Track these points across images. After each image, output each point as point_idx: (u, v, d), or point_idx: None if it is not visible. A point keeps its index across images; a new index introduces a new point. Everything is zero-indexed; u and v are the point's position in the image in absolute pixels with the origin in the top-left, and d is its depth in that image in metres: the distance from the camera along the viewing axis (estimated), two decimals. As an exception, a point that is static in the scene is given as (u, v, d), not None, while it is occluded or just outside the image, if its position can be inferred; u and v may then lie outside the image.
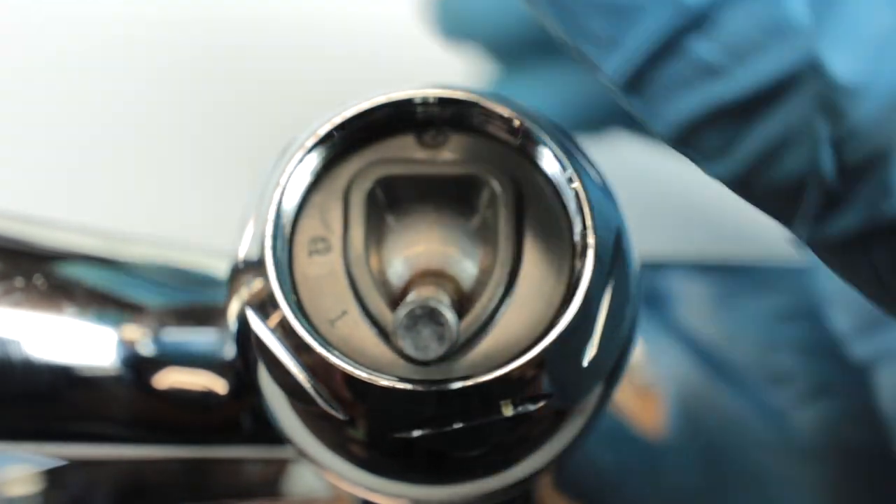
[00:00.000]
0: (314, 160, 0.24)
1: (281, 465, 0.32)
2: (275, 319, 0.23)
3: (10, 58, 0.51)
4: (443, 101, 0.24)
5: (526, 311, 0.24)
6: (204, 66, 0.51)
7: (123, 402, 0.27)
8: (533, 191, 0.24)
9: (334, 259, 0.24)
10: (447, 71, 0.45)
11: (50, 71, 0.51)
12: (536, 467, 0.25)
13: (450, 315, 0.21)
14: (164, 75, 0.51)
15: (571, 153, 0.24)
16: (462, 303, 0.24)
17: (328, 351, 0.23)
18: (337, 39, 0.51)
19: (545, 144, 0.24)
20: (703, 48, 0.17)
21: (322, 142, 0.24)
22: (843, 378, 0.27)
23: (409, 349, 0.21)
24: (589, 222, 0.23)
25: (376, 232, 0.25)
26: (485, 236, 0.25)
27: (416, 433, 0.23)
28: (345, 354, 0.23)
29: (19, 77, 0.51)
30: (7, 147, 0.50)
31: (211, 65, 0.51)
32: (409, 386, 0.22)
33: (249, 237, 0.24)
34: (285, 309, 0.23)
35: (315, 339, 0.23)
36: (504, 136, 0.24)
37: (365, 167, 0.25)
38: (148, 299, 0.27)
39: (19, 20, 0.51)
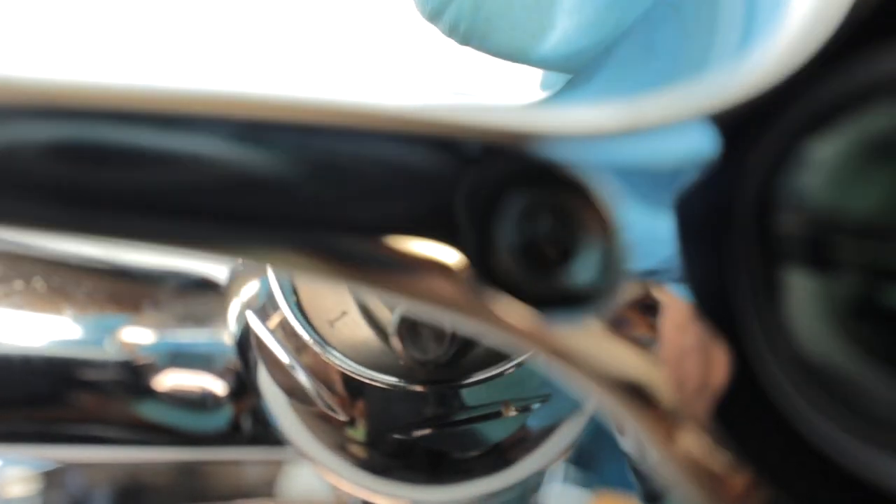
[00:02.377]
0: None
1: (280, 467, 0.32)
2: (275, 320, 0.23)
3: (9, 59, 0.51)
4: None
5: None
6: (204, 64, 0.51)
7: (123, 404, 0.27)
8: None
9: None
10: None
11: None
12: (536, 468, 0.25)
13: None
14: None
15: None
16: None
17: (328, 352, 0.23)
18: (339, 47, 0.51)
19: None
20: None
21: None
22: None
23: (409, 349, 0.21)
24: None
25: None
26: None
27: (416, 433, 0.23)
28: (344, 355, 0.23)
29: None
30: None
31: (211, 63, 0.51)
32: (408, 386, 0.22)
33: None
34: (285, 310, 0.23)
35: (315, 340, 0.23)
36: None
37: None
38: (147, 301, 0.27)
39: (15, 22, 0.51)
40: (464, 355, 0.23)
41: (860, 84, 0.14)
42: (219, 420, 0.27)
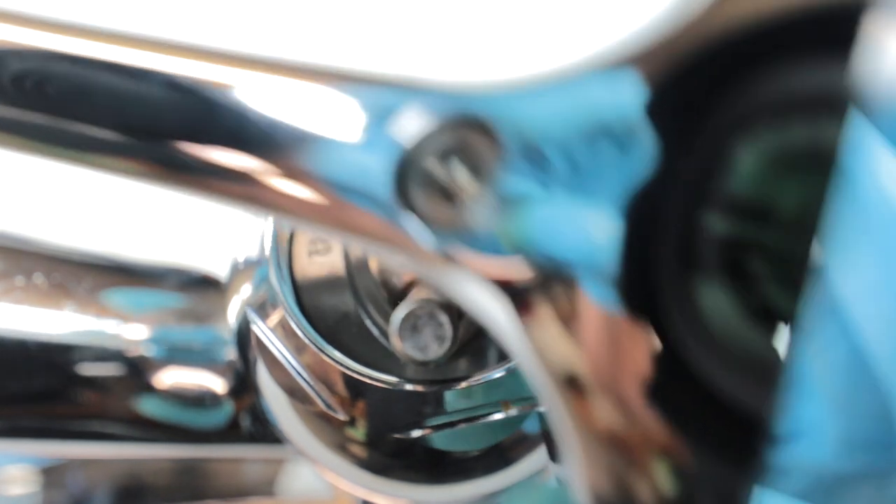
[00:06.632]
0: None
1: (280, 465, 0.32)
2: (275, 319, 0.23)
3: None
4: None
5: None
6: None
7: (123, 400, 0.27)
8: None
9: (334, 259, 0.24)
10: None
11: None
12: (535, 467, 0.25)
13: (449, 315, 0.21)
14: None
15: None
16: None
17: (328, 351, 0.23)
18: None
19: None
20: None
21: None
22: None
23: (410, 350, 0.21)
24: None
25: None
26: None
27: (416, 433, 0.23)
28: (345, 354, 0.23)
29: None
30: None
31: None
32: (409, 386, 0.22)
33: (250, 237, 0.24)
34: (285, 309, 0.23)
35: (315, 340, 0.23)
36: None
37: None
38: (148, 299, 0.27)
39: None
40: (464, 355, 0.23)
41: (780, 98, 0.15)
42: (218, 417, 0.27)
